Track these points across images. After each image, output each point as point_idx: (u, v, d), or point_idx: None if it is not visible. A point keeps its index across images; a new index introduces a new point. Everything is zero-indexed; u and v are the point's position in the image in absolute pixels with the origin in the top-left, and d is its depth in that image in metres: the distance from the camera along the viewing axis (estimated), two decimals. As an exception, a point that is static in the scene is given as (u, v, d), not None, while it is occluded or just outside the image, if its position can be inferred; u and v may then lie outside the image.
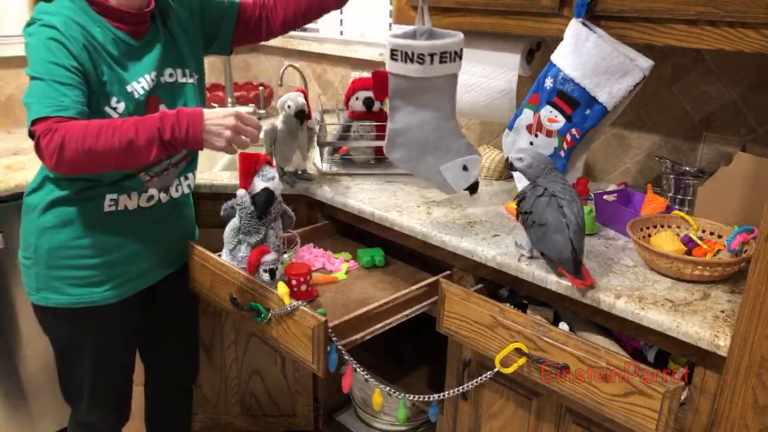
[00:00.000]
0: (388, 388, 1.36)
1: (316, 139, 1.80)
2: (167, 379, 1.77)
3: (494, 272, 1.36)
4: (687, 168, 1.52)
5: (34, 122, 1.16)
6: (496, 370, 1.22)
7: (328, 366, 1.25)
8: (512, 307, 1.24)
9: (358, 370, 1.28)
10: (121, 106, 1.29)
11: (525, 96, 1.51)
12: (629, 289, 1.19)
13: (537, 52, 1.75)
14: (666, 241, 1.27)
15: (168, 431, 1.84)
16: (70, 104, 1.18)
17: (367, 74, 2.21)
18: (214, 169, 2.18)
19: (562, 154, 1.47)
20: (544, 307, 1.38)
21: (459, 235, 1.43)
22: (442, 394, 1.35)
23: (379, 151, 1.90)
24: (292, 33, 1.67)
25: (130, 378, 1.60)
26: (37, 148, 1.16)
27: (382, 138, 1.49)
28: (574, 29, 1.36)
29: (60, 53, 1.19)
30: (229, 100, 2.58)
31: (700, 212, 1.38)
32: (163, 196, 1.45)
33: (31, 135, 1.17)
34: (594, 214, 1.46)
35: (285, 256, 1.56)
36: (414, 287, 1.41)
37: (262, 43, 1.67)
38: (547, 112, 1.45)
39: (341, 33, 2.61)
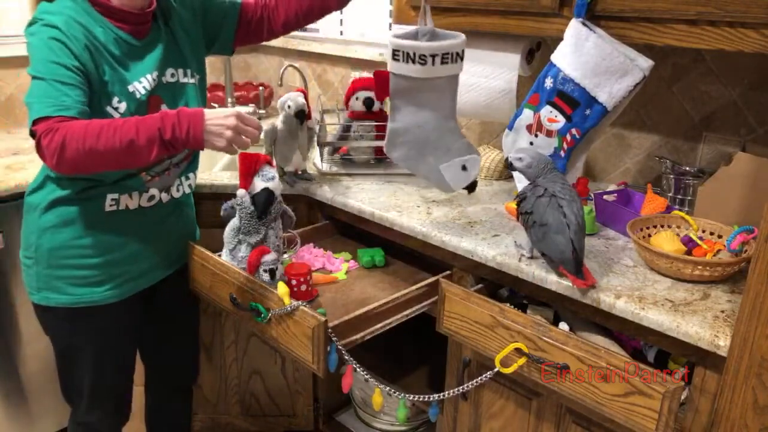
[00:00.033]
0: (388, 388, 1.36)
1: (316, 139, 1.80)
2: (167, 380, 1.77)
3: (494, 272, 1.36)
4: (687, 168, 1.52)
5: (35, 122, 1.16)
6: (496, 370, 1.22)
7: (328, 366, 1.25)
8: (512, 307, 1.24)
9: (358, 370, 1.28)
10: (123, 106, 1.29)
11: (525, 96, 1.51)
12: (629, 289, 1.19)
13: (537, 52, 1.75)
14: (666, 241, 1.27)
15: (168, 431, 1.84)
16: (71, 104, 1.18)
17: (367, 74, 2.21)
18: (214, 169, 2.18)
19: (562, 154, 1.47)
20: (544, 307, 1.38)
21: (459, 235, 1.43)
22: (442, 394, 1.35)
23: (379, 151, 1.90)
24: (292, 33, 1.67)
25: (131, 378, 1.60)
26: (38, 148, 1.16)
27: (382, 138, 1.49)
28: (574, 29, 1.36)
29: (62, 53, 1.19)
30: (229, 100, 2.58)
31: (700, 212, 1.38)
32: (164, 196, 1.45)
33: (33, 134, 1.17)
34: (594, 214, 1.46)
35: (285, 256, 1.56)
36: (414, 287, 1.41)
37: (263, 43, 1.67)
38: (547, 112, 1.45)
39: (341, 33, 2.61)
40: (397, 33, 1.36)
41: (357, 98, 1.90)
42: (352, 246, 1.72)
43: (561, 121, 1.43)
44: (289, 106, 1.64)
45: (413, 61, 1.32)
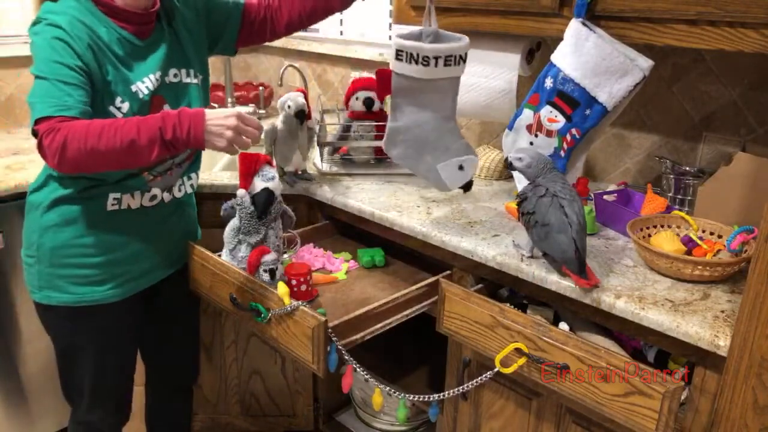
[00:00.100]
0: (388, 388, 1.36)
1: (316, 139, 1.81)
2: (168, 379, 1.77)
3: (494, 272, 1.36)
4: (687, 168, 1.52)
5: (37, 121, 1.17)
6: (496, 370, 1.22)
7: (328, 366, 1.25)
8: (512, 307, 1.24)
9: (358, 370, 1.28)
10: (126, 106, 1.29)
11: (525, 96, 1.51)
12: (629, 289, 1.19)
13: (537, 52, 1.75)
14: (666, 241, 1.27)
15: (168, 431, 1.84)
16: (73, 104, 1.18)
17: (367, 74, 2.21)
18: (215, 169, 2.18)
19: (562, 154, 1.47)
20: (544, 307, 1.38)
21: (459, 235, 1.43)
22: (442, 394, 1.35)
23: (379, 151, 1.90)
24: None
25: (131, 378, 1.60)
26: (40, 147, 1.17)
27: (382, 138, 1.49)
28: (574, 29, 1.36)
29: (65, 53, 1.20)
30: (229, 100, 2.58)
31: (700, 212, 1.38)
32: (166, 196, 1.45)
33: (35, 134, 1.17)
34: (594, 214, 1.46)
35: (285, 256, 1.56)
36: (414, 287, 1.41)
37: (265, 43, 1.67)
38: (547, 112, 1.45)
39: (341, 33, 2.62)
40: (402, 33, 1.36)
41: (357, 98, 1.90)
42: (352, 246, 1.72)
43: (561, 121, 1.43)
44: (289, 106, 1.64)
45: (416, 62, 1.32)
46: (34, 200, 1.40)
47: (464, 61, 1.37)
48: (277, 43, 2.64)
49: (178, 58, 1.41)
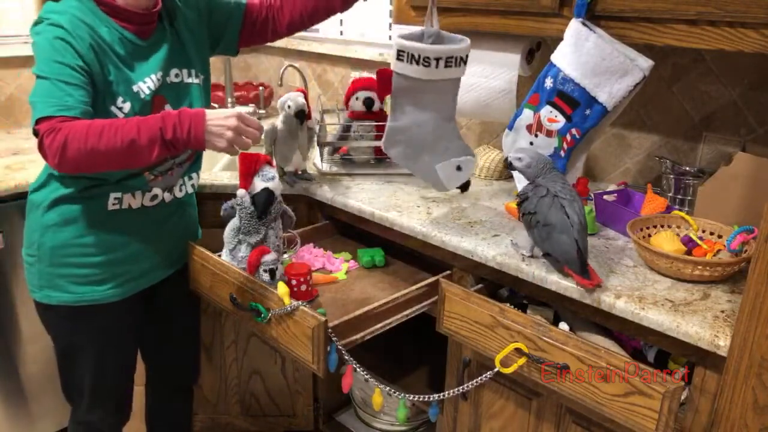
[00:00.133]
0: (388, 388, 1.36)
1: (316, 139, 1.81)
2: (168, 380, 1.77)
3: (494, 272, 1.36)
4: (687, 168, 1.52)
5: (38, 121, 1.17)
6: (496, 370, 1.22)
7: (328, 366, 1.25)
8: (512, 307, 1.24)
9: (358, 370, 1.28)
10: (127, 106, 1.29)
11: (525, 96, 1.51)
12: (629, 289, 1.19)
13: (537, 52, 1.75)
14: (666, 241, 1.27)
15: (168, 431, 1.84)
16: (74, 104, 1.18)
17: (367, 74, 2.21)
18: (215, 169, 2.19)
19: (562, 154, 1.47)
20: (544, 307, 1.38)
21: (459, 235, 1.43)
22: (442, 394, 1.35)
23: (379, 151, 1.90)
24: (293, 33, 1.68)
25: (131, 378, 1.60)
26: (41, 147, 1.17)
27: (381, 138, 1.49)
28: (574, 29, 1.36)
29: (66, 53, 1.20)
30: (229, 100, 2.58)
31: (700, 212, 1.38)
32: (167, 196, 1.45)
33: (35, 133, 1.17)
34: (594, 214, 1.46)
35: (285, 256, 1.56)
36: (414, 287, 1.41)
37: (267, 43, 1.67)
38: (547, 112, 1.45)
39: (341, 33, 2.62)
40: (404, 33, 1.36)
41: (357, 98, 1.90)
42: (352, 246, 1.72)
43: (561, 121, 1.43)
44: (289, 106, 1.64)
45: (417, 63, 1.33)
46: (35, 199, 1.40)
47: (465, 63, 1.37)
48: (278, 43, 2.63)
49: (179, 58, 1.41)
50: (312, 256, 1.61)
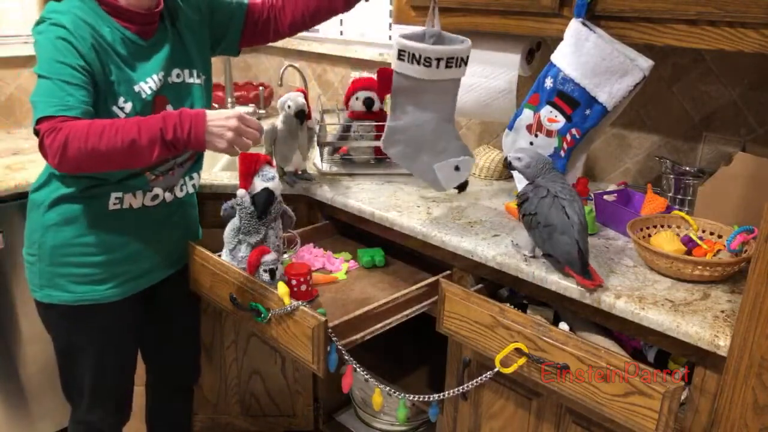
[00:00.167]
0: (388, 388, 1.36)
1: (316, 139, 1.81)
2: (168, 380, 1.77)
3: (494, 272, 1.36)
4: (687, 168, 1.52)
5: (39, 120, 1.17)
6: (496, 370, 1.22)
7: (328, 366, 1.25)
8: (512, 307, 1.24)
9: (358, 370, 1.28)
10: (128, 106, 1.29)
11: (525, 96, 1.51)
12: (629, 289, 1.19)
13: (537, 52, 1.75)
14: (666, 241, 1.27)
15: (168, 431, 1.84)
16: (74, 104, 1.18)
17: (367, 74, 2.21)
18: (214, 169, 2.19)
19: (562, 154, 1.47)
20: (544, 307, 1.38)
21: (459, 235, 1.43)
22: (442, 394, 1.35)
23: (379, 151, 1.89)
24: (293, 33, 1.68)
25: (131, 378, 1.60)
26: (41, 147, 1.17)
27: (381, 138, 1.49)
28: (574, 29, 1.36)
29: (68, 53, 1.20)
30: (229, 100, 2.58)
31: (700, 212, 1.38)
32: (168, 196, 1.45)
33: (36, 133, 1.18)
34: (594, 214, 1.46)
35: (285, 256, 1.56)
36: (414, 287, 1.41)
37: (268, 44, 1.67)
38: (547, 112, 1.45)
39: (341, 33, 2.61)
40: (405, 33, 1.36)
41: (357, 98, 1.90)
42: (352, 246, 1.72)
43: (561, 121, 1.43)
44: (289, 106, 1.64)
45: (418, 63, 1.33)
46: (36, 199, 1.40)
47: (465, 64, 1.38)
48: (277, 43, 2.62)
49: (181, 58, 1.41)
50: (312, 256, 1.61)
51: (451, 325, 1.32)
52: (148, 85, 1.32)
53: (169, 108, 1.36)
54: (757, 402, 0.99)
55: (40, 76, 1.20)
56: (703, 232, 1.33)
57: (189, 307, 1.69)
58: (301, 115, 1.65)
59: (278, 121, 1.68)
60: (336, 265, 1.59)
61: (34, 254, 1.40)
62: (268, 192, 1.36)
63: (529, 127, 1.50)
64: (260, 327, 1.35)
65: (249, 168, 1.37)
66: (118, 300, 1.44)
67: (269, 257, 1.34)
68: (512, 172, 1.36)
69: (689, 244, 1.27)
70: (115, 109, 1.28)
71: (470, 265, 1.41)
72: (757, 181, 1.30)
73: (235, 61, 2.81)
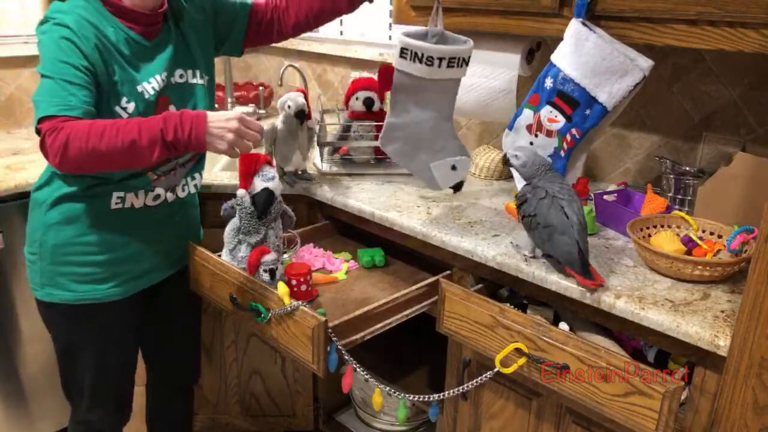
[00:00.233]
0: (388, 388, 1.36)
1: (316, 139, 1.81)
2: (168, 380, 1.77)
3: (494, 272, 1.36)
4: (687, 168, 1.52)
5: (40, 120, 1.17)
6: (496, 370, 1.22)
7: (328, 366, 1.25)
8: (512, 307, 1.24)
9: (358, 370, 1.28)
10: (131, 106, 1.29)
11: (525, 96, 1.51)
12: (629, 289, 1.19)
13: (537, 52, 1.75)
14: (666, 241, 1.27)
15: (168, 431, 1.84)
16: (76, 104, 1.18)
17: (367, 74, 2.21)
18: (214, 169, 2.19)
19: (562, 154, 1.47)
20: (544, 307, 1.38)
21: (459, 235, 1.43)
22: (442, 394, 1.35)
23: (379, 151, 1.89)
24: (293, 33, 1.67)
25: (132, 377, 1.60)
26: (42, 146, 1.17)
27: (381, 137, 1.50)
28: (574, 29, 1.36)
29: (71, 52, 1.20)
30: (229, 100, 2.58)
31: (700, 212, 1.38)
32: (170, 196, 1.46)
33: (38, 132, 1.18)
34: (594, 214, 1.46)
35: (285, 256, 1.56)
36: (414, 287, 1.41)
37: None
38: (547, 112, 1.45)
39: (341, 33, 2.61)
40: (408, 32, 1.36)
41: (357, 98, 1.90)
42: (352, 246, 1.72)
43: (561, 121, 1.43)
44: (289, 106, 1.64)
45: (420, 61, 1.33)
46: (37, 198, 1.40)
47: (467, 64, 1.38)
48: (278, 43, 2.64)
49: (184, 58, 1.41)
50: (312, 256, 1.61)
51: (451, 325, 1.32)
52: (151, 85, 1.32)
53: (172, 108, 1.36)
54: (757, 402, 0.99)
55: (43, 76, 1.21)
56: (703, 232, 1.33)
57: (189, 307, 1.69)
58: (301, 115, 1.65)
59: (278, 121, 1.68)
60: (336, 265, 1.59)
61: (35, 253, 1.41)
62: (268, 192, 1.36)
63: (529, 127, 1.50)
64: (260, 327, 1.35)
65: (249, 168, 1.37)
66: (119, 299, 1.44)
67: (269, 257, 1.34)
68: (512, 172, 1.36)
69: (689, 244, 1.27)
70: (118, 109, 1.28)
71: (470, 265, 1.41)
72: (757, 181, 1.30)
73: (235, 61, 2.81)
